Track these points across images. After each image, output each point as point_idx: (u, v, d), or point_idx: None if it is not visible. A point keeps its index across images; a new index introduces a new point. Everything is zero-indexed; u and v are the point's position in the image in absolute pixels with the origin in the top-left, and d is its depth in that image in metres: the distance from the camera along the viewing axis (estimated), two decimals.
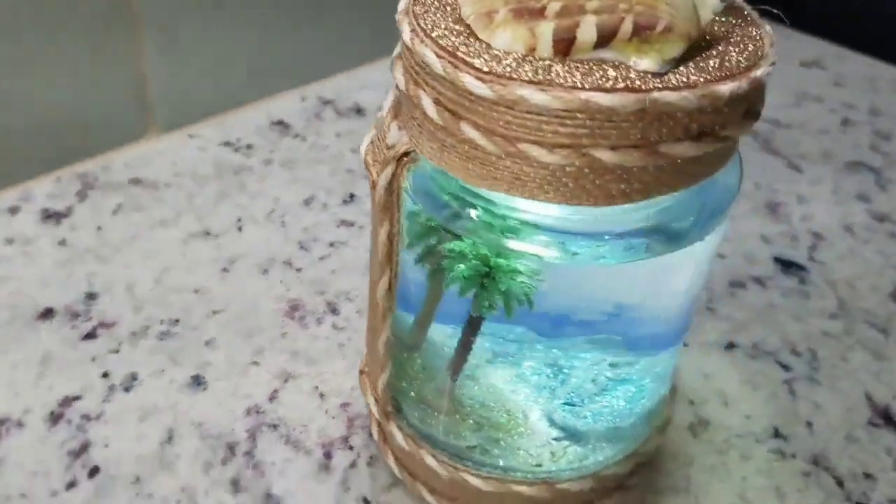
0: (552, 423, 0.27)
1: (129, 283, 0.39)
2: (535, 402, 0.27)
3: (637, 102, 0.20)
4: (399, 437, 0.29)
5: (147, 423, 0.33)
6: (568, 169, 0.21)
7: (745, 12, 0.24)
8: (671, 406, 0.32)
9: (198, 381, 0.34)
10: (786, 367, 0.37)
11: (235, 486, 0.31)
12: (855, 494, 0.32)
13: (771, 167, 0.50)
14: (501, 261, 0.24)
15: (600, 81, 0.20)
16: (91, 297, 0.38)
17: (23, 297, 0.38)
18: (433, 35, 0.22)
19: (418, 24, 0.22)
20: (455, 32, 0.22)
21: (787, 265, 0.42)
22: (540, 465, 0.28)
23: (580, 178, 0.21)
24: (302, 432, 0.33)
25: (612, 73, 0.21)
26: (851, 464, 0.33)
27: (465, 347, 0.26)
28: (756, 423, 0.34)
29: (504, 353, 0.26)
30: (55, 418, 0.33)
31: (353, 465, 0.32)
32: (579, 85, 0.20)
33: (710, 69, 0.21)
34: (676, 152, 0.21)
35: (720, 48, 0.22)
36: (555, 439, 0.27)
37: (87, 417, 0.33)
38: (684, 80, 0.21)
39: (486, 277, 0.24)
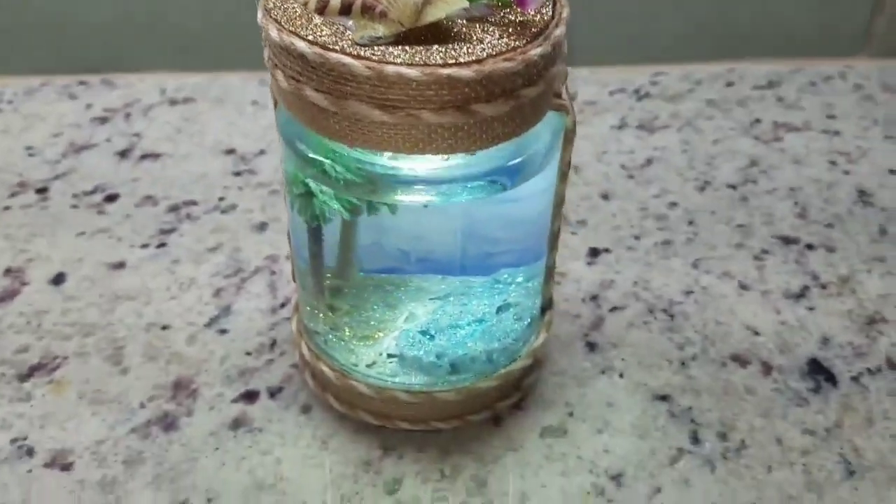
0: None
1: None
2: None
3: (432, 76, 0.25)
4: (307, 354, 0.36)
5: None
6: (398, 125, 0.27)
7: None
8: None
9: None
10: None
11: None
12: None
13: None
14: (312, 184, 0.30)
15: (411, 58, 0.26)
16: None
17: None
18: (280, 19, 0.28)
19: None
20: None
21: None
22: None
23: (411, 131, 0.27)
24: None
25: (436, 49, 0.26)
26: None
27: (312, 253, 0.32)
28: None
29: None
30: None
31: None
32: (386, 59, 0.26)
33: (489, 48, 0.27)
34: (484, 111, 0.27)
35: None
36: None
37: None
38: (468, 57, 0.26)
39: (306, 196, 0.31)
